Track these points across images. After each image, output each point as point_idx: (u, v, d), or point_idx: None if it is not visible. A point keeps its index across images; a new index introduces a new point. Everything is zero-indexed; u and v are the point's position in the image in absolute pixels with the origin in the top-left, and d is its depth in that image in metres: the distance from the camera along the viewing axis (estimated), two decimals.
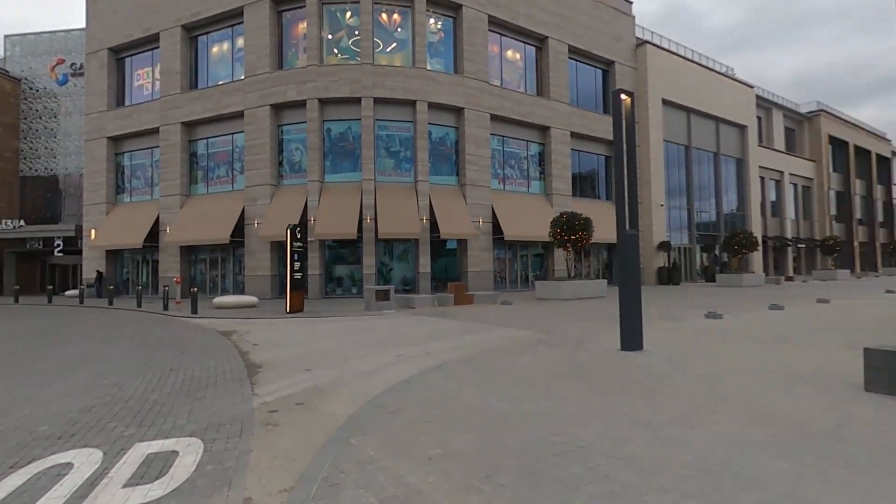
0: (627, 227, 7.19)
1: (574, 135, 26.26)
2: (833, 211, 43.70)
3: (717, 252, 32.40)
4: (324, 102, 20.88)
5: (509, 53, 24.88)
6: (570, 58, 26.63)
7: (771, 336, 8.25)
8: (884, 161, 50.66)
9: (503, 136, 24.16)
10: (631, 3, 30.25)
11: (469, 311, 13.73)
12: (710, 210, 33.19)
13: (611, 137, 25.88)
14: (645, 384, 5.10)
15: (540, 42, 25.53)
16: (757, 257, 32.83)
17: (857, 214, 45.80)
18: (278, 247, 20.02)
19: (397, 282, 20.92)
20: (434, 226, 20.52)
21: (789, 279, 33.04)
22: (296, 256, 14.50)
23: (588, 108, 27.42)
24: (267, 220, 20.32)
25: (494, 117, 23.14)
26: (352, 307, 15.60)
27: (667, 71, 29.58)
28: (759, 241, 29.81)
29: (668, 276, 27.58)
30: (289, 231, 14.52)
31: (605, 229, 21.50)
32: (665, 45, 30.32)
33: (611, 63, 28.18)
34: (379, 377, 5.88)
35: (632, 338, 7.04)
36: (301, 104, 20.93)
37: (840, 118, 45.15)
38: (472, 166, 22.17)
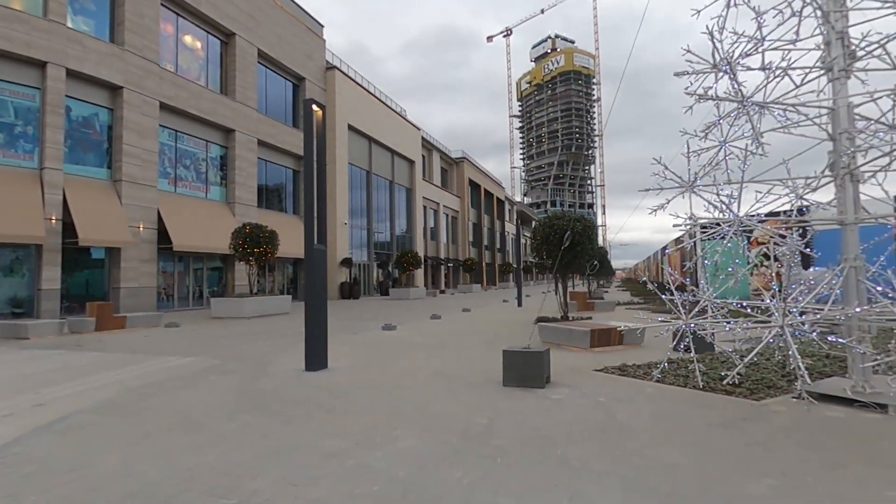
0: (315, 242, 6.94)
1: (262, 143, 25.05)
2: (471, 238, 55.56)
3: (390, 268, 36.36)
4: None
5: (188, 39, 21.87)
6: (260, 63, 25.44)
7: (435, 342, 9.40)
8: (501, 202, 67.91)
9: (177, 131, 20.91)
10: (322, 26, 31.32)
11: (118, 339, 10.91)
12: (386, 231, 37.11)
13: (300, 152, 25.83)
14: (330, 406, 4.83)
15: (227, 37, 23.43)
16: (420, 274, 38.47)
17: (485, 241, 59.69)
18: None
19: (2, 303, 15.07)
20: (70, 228, 15.79)
21: (442, 292, 39.96)
22: None
23: (278, 119, 26.69)
24: None
25: (166, 107, 19.77)
26: None
27: (353, 99, 31.75)
28: (423, 259, 35.05)
29: (350, 291, 29.19)
30: None
31: (291, 243, 21.05)
32: (352, 76, 32.53)
33: (302, 79, 28.32)
34: None
35: (317, 356, 6.76)
36: None
37: (476, 166, 58.13)
38: (133, 159, 18.24)
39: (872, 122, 4.74)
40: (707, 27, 5.08)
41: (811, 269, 5.39)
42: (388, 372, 6.61)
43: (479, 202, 58.30)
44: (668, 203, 5.25)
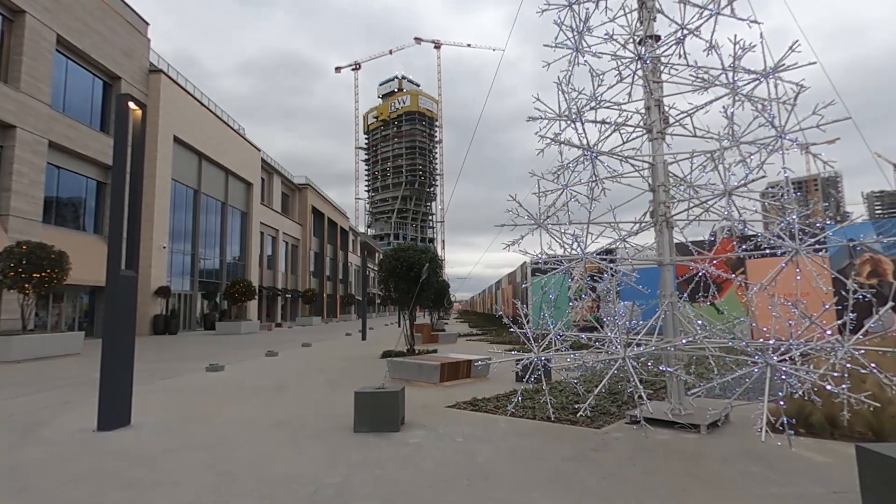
0: (123, 267, 5.63)
1: (56, 146, 20.70)
2: (312, 267, 53.13)
3: (217, 300, 32.54)
4: None
5: None
6: (59, 51, 21.26)
7: (271, 384, 8.34)
8: (344, 232, 66.71)
9: None
10: (147, 24, 27.71)
11: None
12: (215, 258, 33.33)
13: (107, 161, 21.96)
14: (131, 479, 3.75)
15: (12, 13, 19.12)
16: (254, 305, 35.17)
17: (327, 272, 57.64)
18: None
19: None
20: None
21: (278, 325, 37.06)
22: None
23: (81, 120, 22.39)
24: None
25: None
26: None
27: (181, 109, 28.36)
28: (257, 289, 32.14)
29: (166, 325, 25.22)
30: None
31: (88, 268, 17.44)
32: (182, 84, 29.16)
33: (117, 78, 24.43)
34: None
35: (115, 410, 5.37)
36: None
37: (320, 194, 56.41)
38: None
39: (680, 178, 5.58)
40: (558, 79, 5.50)
41: (621, 304, 6.03)
42: (213, 425, 5.53)
43: (322, 231, 56.43)
44: (521, 238, 5.43)
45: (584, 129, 5.35)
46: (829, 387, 3.74)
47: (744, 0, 5.10)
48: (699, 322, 5.08)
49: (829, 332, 4.09)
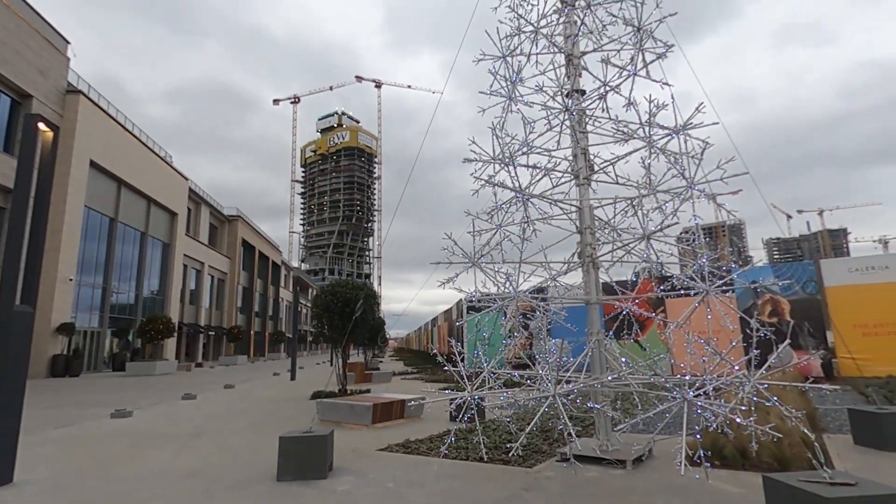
0: (18, 302, 5.06)
1: None
2: (239, 303, 50.44)
3: (130, 337, 29.91)
4: None
5: None
6: None
7: (186, 431, 7.68)
8: (277, 267, 64.26)
9: None
10: (68, 43, 26.19)
11: None
12: (130, 291, 30.85)
13: (9, 184, 20.07)
14: None
15: None
16: (172, 343, 32.63)
17: (256, 307, 54.90)
18: None
19: None
20: None
21: (199, 365, 34.52)
22: None
23: None
24: None
25: None
26: None
27: (102, 133, 26.66)
28: (176, 326, 29.92)
29: (67, 366, 22.72)
30: None
31: None
32: (104, 106, 27.51)
33: (28, 97, 22.67)
34: None
35: None
36: None
37: (252, 226, 54.34)
38: None
39: (604, 222, 5.93)
40: (492, 124, 5.76)
41: (552, 341, 6.21)
42: (113, 479, 4.97)
43: (253, 265, 54.05)
44: (456, 276, 5.49)
45: (516, 173, 5.59)
46: (738, 419, 4.00)
47: (656, 64, 5.65)
48: (623, 359, 5.31)
49: (736, 368, 4.41)
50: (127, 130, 29.52)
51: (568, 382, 4.79)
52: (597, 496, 4.12)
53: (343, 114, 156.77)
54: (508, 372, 5.62)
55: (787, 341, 4.38)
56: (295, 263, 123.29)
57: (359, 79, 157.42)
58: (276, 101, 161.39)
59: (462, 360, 5.58)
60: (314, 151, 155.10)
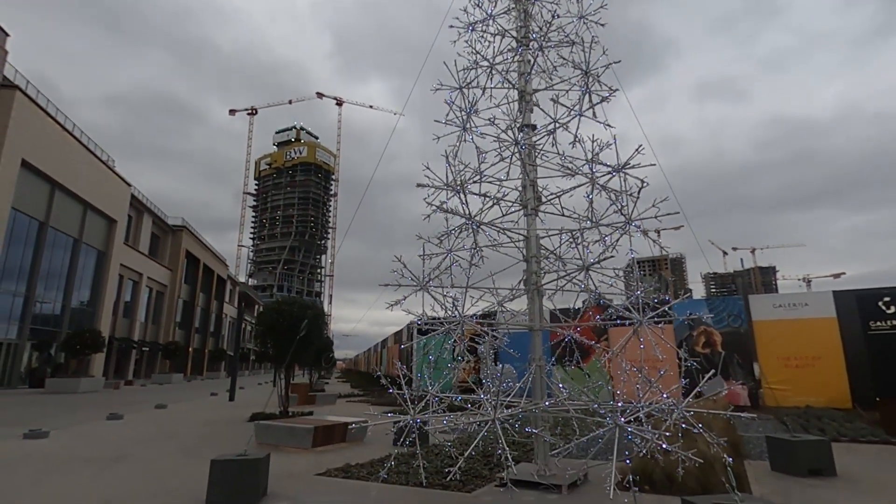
0: None
1: None
2: (178, 318, 47.92)
3: (52, 351, 27.74)
4: None
5: None
6: None
7: (109, 454, 7.18)
8: (222, 281, 61.74)
9: None
10: (7, 35, 24.76)
11: None
12: (56, 301, 28.73)
13: None
14: None
15: None
16: (100, 359, 30.47)
17: (197, 323, 52.31)
18: None
19: None
20: None
21: (129, 383, 32.38)
22: None
23: None
24: None
25: None
26: None
27: (37, 131, 25.10)
28: (106, 340, 28.03)
29: None
30: None
31: None
32: (43, 105, 25.98)
33: None
34: None
35: None
36: None
37: (198, 238, 52.16)
38: None
39: (550, 251, 6.18)
40: (445, 152, 5.92)
41: (500, 366, 6.33)
42: None
43: (196, 278, 51.68)
44: (405, 299, 5.52)
45: (467, 200, 5.75)
46: (665, 445, 4.21)
47: (600, 106, 6.03)
48: (562, 385, 5.48)
49: (665, 396, 4.65)
50: (66, 130, 27.94)
51: (508, 407, 4.89)
52: None
53: (302, 129, 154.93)
54: (451, 395, 5.66)
55: (712, 371, 4.72)
56: (242, 278, 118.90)
57: (320, 95, 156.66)
58: (232, 112, 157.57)
59: (409, 384, 5.57)
60: (269, 164, 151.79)
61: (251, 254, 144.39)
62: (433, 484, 5.33)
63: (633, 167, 5.43)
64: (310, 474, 5.89)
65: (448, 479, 5.20)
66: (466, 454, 4.63)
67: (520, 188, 6.41)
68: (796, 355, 14.04)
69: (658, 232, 5.37)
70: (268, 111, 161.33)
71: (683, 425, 4.52)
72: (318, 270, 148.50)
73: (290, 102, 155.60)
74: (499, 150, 6.38)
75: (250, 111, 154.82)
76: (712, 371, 4.74)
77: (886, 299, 13.20)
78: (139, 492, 5.06)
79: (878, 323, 13.14)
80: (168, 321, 45.45)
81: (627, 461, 4.33)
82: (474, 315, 5.95)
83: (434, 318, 5.72)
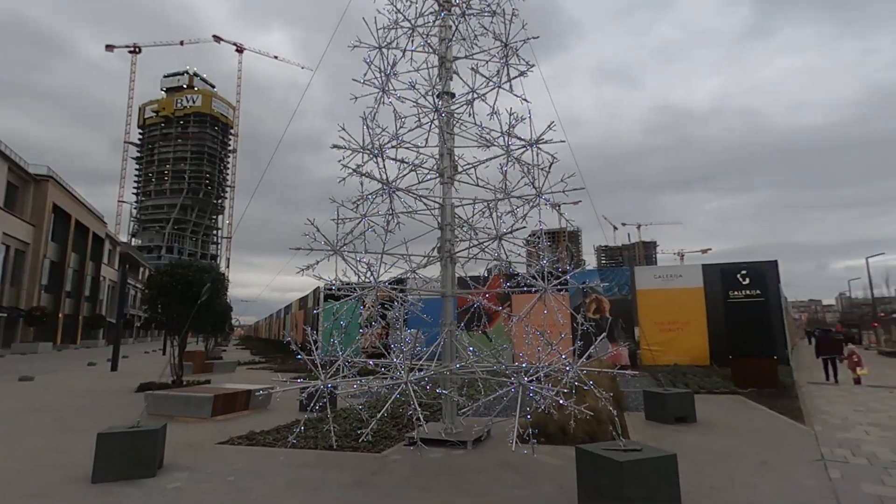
0: None
1: None
2: (45, 280, 42.29)
3: None
4: None
5: None
6: None
7: None
8: (98, 240, 55.22)
9: None
10: None
11: None
12: None
13: None
14: None
15: None
16: None
17: (68, 287, 46.56)
18: None
19: None
20: None
21: None
22: None
23: None
24: None
25: None
26: None
27: None
28: None
29: None
30: None
31: None
32: None
33: None
34: None
35: None
36: None
37: (68, 190, 45.87)
38: None
39: (464, 220, 6.32)
40: (363, 114, 5.74)
41: (407, 331, 6.48)
42: None
43: (67, 236, 45.68)
44: (317, 263, 5.38)
45: (384, 165, 5.67)
46: (562, 401, 4.61)
47: (518, 81, 6.18)
48: (471, 349, 5.74)
49: (563, 357, 5.07)
50: None
51: (420, 370, 5.04)
52: (439, 474, 4.43)
53: (195, 75, 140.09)
54: (363, 360, 5.69)
55: (604, 335, 5.22)
56: (124, 238, 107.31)
57: (217, 39, 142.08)
58: (109, 48, 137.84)
59: (317, 349, 5.49)
60: (156, 112, 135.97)
61: (135, 211, 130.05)
62: (343, 447, 5.38)
63: (545, 142, 5.68)
64: (211, 444, 5.67)
65: (361, 440, 5.28)
66: (379, 416, 4.73)
67: (437, 156, 6.43)
68: (669, 320, 15.91)
69: (558, 206, 5.71)
70: (154, 51, 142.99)
71: (577, 383, 4.97)
72: (215, 232, 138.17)
73: (181, 44, 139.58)
74: (418, 116, 6.32)
75: (133, 49, 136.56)
76: (603, 334, 5.24)
77: (744, 272, 15.34)
78: (11, 469, 4.53)
79: (736, 293, 15.27)
80: (31, 284, 39.91)
81: (528, 417, 4.70)
82: (388, 281, 5.97)
83: (347, 283, 5.65)
